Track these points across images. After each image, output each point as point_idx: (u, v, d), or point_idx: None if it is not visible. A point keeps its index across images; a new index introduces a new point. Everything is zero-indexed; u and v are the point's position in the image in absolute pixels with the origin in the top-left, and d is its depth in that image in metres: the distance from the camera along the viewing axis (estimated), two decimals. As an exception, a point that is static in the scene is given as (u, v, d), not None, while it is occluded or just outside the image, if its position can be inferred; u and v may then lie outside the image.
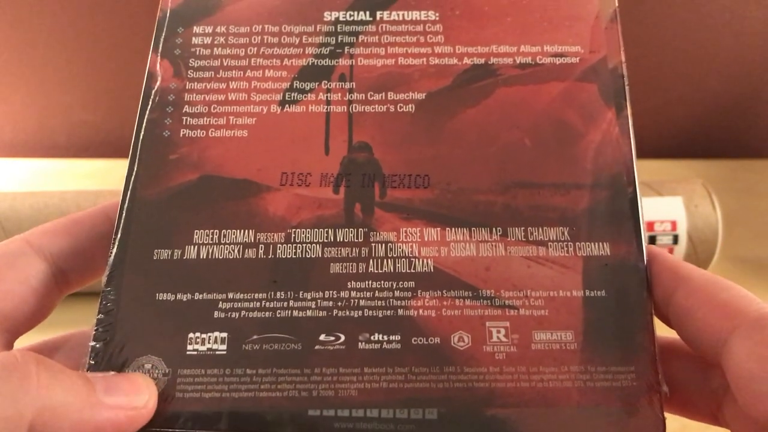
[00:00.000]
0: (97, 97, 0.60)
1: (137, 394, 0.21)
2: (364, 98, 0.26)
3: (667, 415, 0.22)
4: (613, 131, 0.25)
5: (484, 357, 0.22)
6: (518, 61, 0.26)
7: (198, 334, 0.22)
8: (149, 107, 0.26)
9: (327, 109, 0.26)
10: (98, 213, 0.25)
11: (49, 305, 0.24)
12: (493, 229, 0.24)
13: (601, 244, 0.23)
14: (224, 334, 0.22)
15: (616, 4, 0.27)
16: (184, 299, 0.23)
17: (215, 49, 0.27)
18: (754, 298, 0.20)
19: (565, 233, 0.24)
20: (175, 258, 0.23)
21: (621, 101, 0.26)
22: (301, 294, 0.23)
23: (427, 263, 0.23)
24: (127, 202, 0.24)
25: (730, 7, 0.53)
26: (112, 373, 0.22)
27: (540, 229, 0.24)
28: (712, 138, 0.62)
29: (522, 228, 0.24)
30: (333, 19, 0.27)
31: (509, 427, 0.21)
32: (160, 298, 0.23)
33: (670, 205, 0.45)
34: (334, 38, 0.27)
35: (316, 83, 0.26)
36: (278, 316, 0.23)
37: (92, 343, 0.22)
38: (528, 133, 0.25)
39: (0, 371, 0.18)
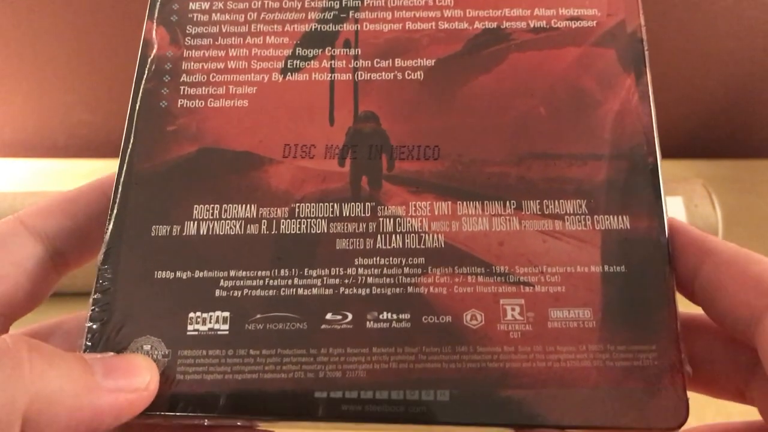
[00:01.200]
0: (97, 97, 0.59)
1: (138, 375, 0.20)
2: (370, 65, 0.25)
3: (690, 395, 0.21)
4: (633, 98, 0.24)
5: (498, 336, 0.21)
6: (532, 25, 0.25)
7: (199, 314, 0.21)
8: (145, 76, 0.25)
9: (331, 77, 0.25)
10: (94, 189, 0.24)
11: (45, 288, 0.23)
12: (507, 202, 0.23)
13: (620, 217, 0.22)
14: (226, 314, 0.21)
15: None
16: (184, 277, 0.22)
17: (213, 14, 0.26)
18: None
19: (583, 206, 0.23)
20: (173, 234, 0.22)
21: (640, 67, 0.24)
22: (306, 271, 0.22)
23: (438, 238, 0.22)
24: (123, 176, 0.23)
25: (730, 7, 0.53)
26: (111, 354, 0.21)
27: (556, 202, 0.23)
28: (712, 138, 0.62)
29: (537, 201, 0.23)
30: None
31: (525, 408, 0.20)
32: (159, 276, 0.22)
33: (670, 205, 0.44)
34: (338, 2, 0.26)
35: (320, 50, 0.25)
36: (282, 294, 0.22)
37: (89, 324, 0.21)
38: (543, 102, 0.24)
39: None
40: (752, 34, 0.55)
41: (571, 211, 0.22)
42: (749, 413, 0.21)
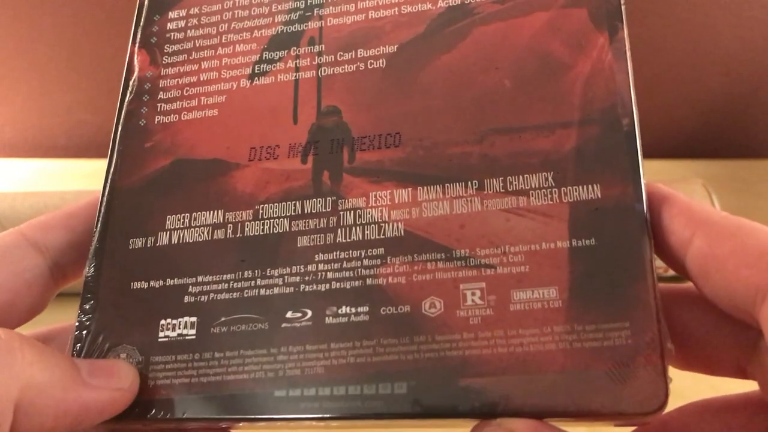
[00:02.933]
0: (97, 97, 0.60)
1: (120, 376, 0.21)
2: (333, 60, 0.24)
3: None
4: (606, 58, 0.22)
5: (457, 323, 0.20)
6: None
7: (169, 321, 0.22)
8: (127, 99, 0.26)
9: (296, 76, 0.25)
10: (93, 204, 0.25)
11: (44, 299, 0.24)
12: (469, 182, 0.22)
13: (590, 186, 0.21)
14: (194, 319, 0.22)
15: None
16: (157, 286, 0.23)
17: (188, 31, 0.26)
18: None
19: (549, 179, 0.21)
20: (148, 245, 0.23)
21: (616, 23, 0.22)
22: (268, 271, 0.22)
23: (398, 227, 0.22)
24: (106, 193, 0.24)
25: (730, 7, 0.53)
26: (92, 359, 0.22)
27: (520, 177, 0.21)
28: (712, 138, 0.61)
29: (500, 178, 0.21)
30: None
31: (485, 397, 0.19)
32: (135, 287, 0.23)
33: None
34: (303, 2, 0.26)
35: (285, 51, 0.25)
36: (245, 296, 0.22)
37: (75, 333, 0.23)
38: (508, 73, 0.23)
39: None
40: (752, 34, 0.54)
41: (537, 185, 0.21)
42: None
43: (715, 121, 0.61)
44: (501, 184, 0.21)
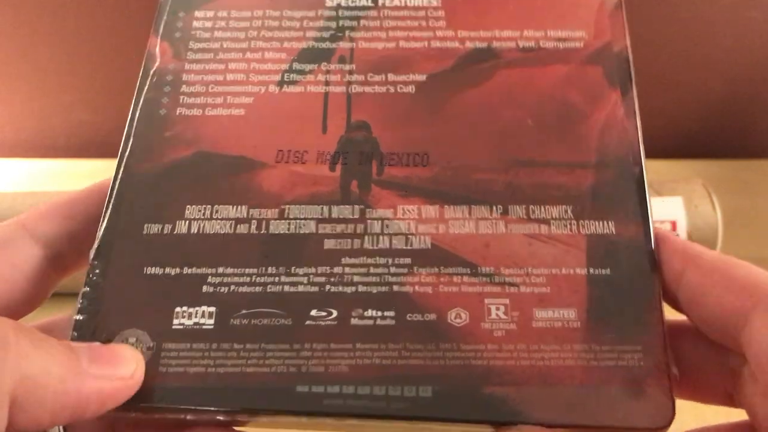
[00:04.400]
0: (97, 97, 0.59)
1: (123, 364, 0.20)
2: (363, 79, 0.26)
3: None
4: (618, 112, 0.24)
5: (482, 334, 0.21)
6: (521, 45, 0.26)
7: (185, 308, 0.22)
8: (147, 86, 0.26)
9: (326, 89, 0.25)
10: (93, 193, 0.25)
11: (44, 290, 0.23)
12: (494, 206, 0.23)
13: (606, 222, 0.23)
14: (212, 309, 0.22)
15: None
16: (173, 273, 0.22)
17: (216, 32, 0.27)
18: None
19: (569, 211, 0.23)
20: (165, 232, 0.23)
21: (626, 83, 0.25)
22: (293, 269, 0.22)
23: (425, 240, 0.23)
24: (120, 176, 0.24)
25: (730, 7, 0.53)
26: (97, 343, 0.21)
27: (542, 207, 0.23)
28: (712, 138, 0.62)
29: (523, 206, 0.23)
30: (335, 4, 0.27)
31: (507, 405, 0.20)
32: (149, 272, 0.22)
33: (670, 205, 0.44)
34: (335, 22, 0.27)
35: (316, 65, 0.26)
36: (269, 291, 0.22)
37: (76, 316, 0.22)
38: (531, 113, 0.25)
39: None
40: (752, 34, 0.54)
41: (557, 216, 0.23)
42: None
43: (715, 122, 0.60)
44: (524, 211, 0.23)
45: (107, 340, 0.21)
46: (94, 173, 0.56)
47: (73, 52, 0.57)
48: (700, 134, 0.61)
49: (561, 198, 0.23)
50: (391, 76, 0.26)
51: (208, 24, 0.27)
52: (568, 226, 0.23)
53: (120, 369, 0.20)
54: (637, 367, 0.20)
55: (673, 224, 0.44)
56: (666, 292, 0.22)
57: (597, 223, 0.23)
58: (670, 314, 0.22)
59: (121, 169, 0.24)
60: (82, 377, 0.18)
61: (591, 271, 0.22)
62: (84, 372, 0.18)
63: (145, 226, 0.23)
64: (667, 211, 0.43)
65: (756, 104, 0.60)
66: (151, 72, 0.26)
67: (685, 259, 0.21)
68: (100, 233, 0.23)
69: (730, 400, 0.21)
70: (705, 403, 0.22)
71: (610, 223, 0.23)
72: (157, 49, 0.26)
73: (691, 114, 0.60)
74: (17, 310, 0.22)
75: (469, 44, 0.26)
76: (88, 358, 0.19)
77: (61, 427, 0.23)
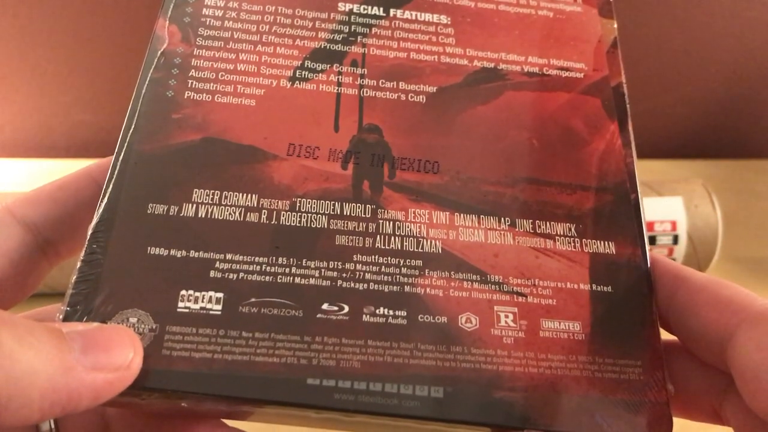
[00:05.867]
0: (97, 97, 0.59)
1: (120, 351, 0.18)
2: (375, 84, 0.26)
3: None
4: (616, 142, 0.26)
5: (491, 339, 0.21)
6: (526, 70, 0.27)
7: (191, 292, 0.21)
8: (153, 67, 0.25)
9: (338, 90, 0.25)
10: (83, 176, 0.24)
11: (35, 278, 0.22)
12: (502, 218, 0.24)
13: (606, 242, 0.24)
14: (220, 294, 0.21)
15: (616, 33, 0.29)
16: (179, 255, 0.21)
17: (226, 21, 0.26)
18: (756, 295, 0.21)
19: (572, 229, 0.24)
20: (170, 214, 0.22)
21: (623, 116, 0.26)
22: (304, 262, 0.22)
23: (436, 244, 0.23)
24: (122, 155, 0.23)
25: (730, 7, 0.53)
26: (95, 324, 0.19)
27: (547, 223, 0.24)
28: (712, 138, 0.62)
29: (530, 220, 0.24)
30: (347, 9, 0.27)
31: (516, 410, 0.20)
32: (152, 252, 0.21)
33: (670, 205, 0.44)
34: (347, 27, 0.27)
35: (328, 65, 0.26)
36: (279, 281, 0.21)
37: (71, 291, 0.20)
38: (535, 134, 0.25)
39: None
40: (752, 34, 0.55)
41: (562, 233, 0.24)
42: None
43: (715, 121, 0.61)
44: (530, 225, 0.24)
45: (106, 320, 0.20)
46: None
47: (73, 52, 0.56)
48: (700, 134, 0.61)
49: (564, 216, 0.24)
50: (402, 85, 0.26)
51: (219, 12, 0.27)
52: (572, 244, 0.23)
53: (116, 357, 0.18)
54: (637, 381, 0.21)
55: (673, 224, 0.44)
56: (658, 312, 0.23)
57: (599, 242, 0.23)
58: (662, 335, 0.23)
59: (124, 147, 0.23)
60: (72, 372, 0.17)
61: (594, 287, 0.23)
62: (75, 365, 0.17)
63: (149, 205, 0.22)
64: (667, 211, 0.44)
65: (756, 104, 0.60)
66: (159, 53, 0.25)
67: (676, 279, 0.22)
68: (99, 210, 0.22)
69: (717, 417, 0.22)
70: (694, 420, 0.22)
71: (610, 243, 0.23)
72: (166, 31, 0.26)
73: (691, 114, 0.60)
74: (5, 298, 0.21)
75: (477, 63, 0.27)
76: (81, 346, 0.17)
77: (52, 421, 0.21)
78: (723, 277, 0.22)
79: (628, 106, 0.27)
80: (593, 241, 0.24)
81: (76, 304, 0.20)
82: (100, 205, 0.22)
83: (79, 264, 0.21)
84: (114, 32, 0.55)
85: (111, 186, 0.22)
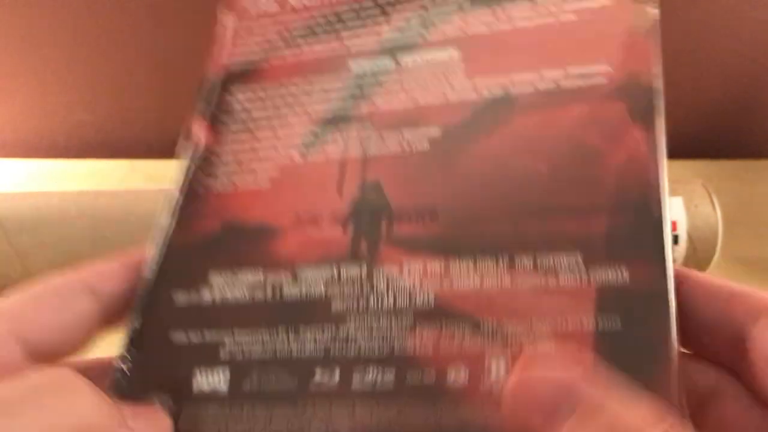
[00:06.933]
0: (97, 97, 0.60)
1: (163, 419, 0.22)
2: (379, 138, 0.26)
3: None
4: (641, 149, 0.23)
5: (481, 393, 0.20)
6: (539, 88, 0.25)
7: (204, 373, 0.23)
8: (189, 166, 0.28)
9: (343, 154, 0.26)
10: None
11: (90, 342, 0.25)
12: (500, 258, 0.22)
13: (618, 269, 0.21)
14: (227, 374, 0.23)
15: (656, 18, 0.25)
16: (195, 339, 0.24)
17: (249, 106, 0.29)
18: None
19: (579, 259, 0.22)
20: (192, 299, 0.25)
21: (650, 117, 0.23)
22: (301, 332, 0.23)
23: (428, 297, 0.22)
24: (162, 248, 0.26)
25: (730, 7, 0.53)
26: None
27: (550, 257, 0.22)
28: (712, 138, 0.61)
29: (530, 256, 0.22)
30: (360, 70, 0.28)
31: None
32: (174, 338, 0.24)
33: (670, 205, 0.43)
34: (359, 89, 0.28)
35: (336, 130, 0.27)
36: (278, 355, 0.23)
37: (118, 375, 0.24)
38: (544, 159, 0.24)
39: (49, 385, 0.19)
40: (752, 33, 0.55)
41: (566, 265, 0.22)
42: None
43: (715, 122, 0.61)
44: (531, 262, 0.22)
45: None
46: (94, 173, 0.57)
47: (73, 52, 0.58)
48: (700, 134, 0.61)
49: (571, 245, 0.22)
50: (405, 133, 0.26)
51: (245, 100, 0.29)
52: (578, 276, 0.21)
53: (160, 423, 0.22)
54: None
55: (673, 224, 0.45)
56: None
57: (609, 270, 0.21)
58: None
59: (164, 242, 0.26)
60: (125, 430, 0.20)
61: (599, 325, 0.20)
62: (126, 426, 0.20)
63: (175, 292, 0.25)
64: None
65: (756, 104, 0.60)
66: (193, 152, 0.28)
67: (678, 277, 0.21)
68: (140, 299, 0.25)
69: None
70: None
71: (623, 270, 0.21)
72: (199, 130, 0.29)
73: (691, 114, 0.60)
74: (64, 357, 0.24)
75: (485, 93, 0.26)
76: (131, 413, 0.21)
77: None
78: (723, 277, 0.21)
79: (661, 102, 0.24)
80: (603, 270, 0.21)
81: (116, 388, 0.23)
82: (139, 289, 0.25)
83: (119, 352, 0.24)
84: (114, 32, 0.56)
85: (149, 276, 0.25)
